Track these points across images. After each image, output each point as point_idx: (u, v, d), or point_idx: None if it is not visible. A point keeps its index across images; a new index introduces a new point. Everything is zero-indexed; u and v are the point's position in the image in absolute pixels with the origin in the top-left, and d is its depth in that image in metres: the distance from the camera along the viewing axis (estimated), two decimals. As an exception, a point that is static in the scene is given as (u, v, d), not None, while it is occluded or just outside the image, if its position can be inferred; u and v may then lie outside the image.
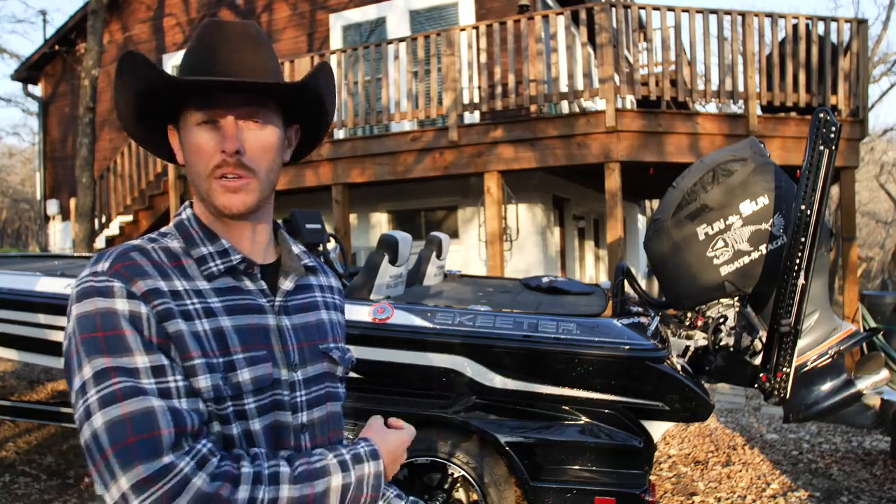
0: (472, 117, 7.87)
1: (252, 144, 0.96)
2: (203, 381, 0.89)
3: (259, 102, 0.96)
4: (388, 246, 3.49)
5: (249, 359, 0.94)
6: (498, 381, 2.70)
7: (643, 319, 2.93)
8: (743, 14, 6.81)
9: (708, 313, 3.13)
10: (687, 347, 3.16)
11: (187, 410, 0.85)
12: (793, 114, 6.92)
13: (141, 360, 0.85)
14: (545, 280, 4.15)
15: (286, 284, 1.03)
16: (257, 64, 0.97)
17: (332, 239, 4.66)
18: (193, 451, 0.82)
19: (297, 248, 1.12)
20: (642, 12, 6.90)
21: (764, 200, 2.73)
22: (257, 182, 0.97)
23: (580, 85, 7.79)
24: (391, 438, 1.04)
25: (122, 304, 0.87)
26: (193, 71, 0.95)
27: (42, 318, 3.41)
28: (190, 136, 0.96)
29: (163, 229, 1.03)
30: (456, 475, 2.75)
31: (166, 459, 0.80)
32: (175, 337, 0.89)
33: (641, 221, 16.04)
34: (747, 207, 2.74)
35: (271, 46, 1.02)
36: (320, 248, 4.26)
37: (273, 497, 0.84)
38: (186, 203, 1.06)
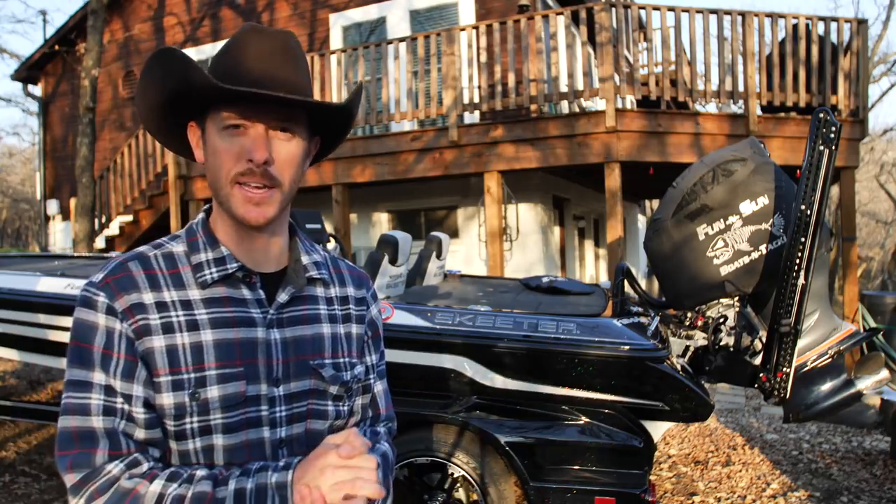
0: (473, 117, 7.87)
1: (279, 155, 0.95)
2: (166, 399, 0.93)
3: (291, 115, 0.96)
4: (389, 245, 3.49)
5: (222, 376, 0.95)
6: (498, 380, 2.70)
7: (643, 319, 2.93)
8: (743, 14, 6.80)
9: (708, 313, 3.14)
10: (687, 347, 3.16)
11: (124, 434, 0.91)
12: (793, 114, 6.92)
13: (98, 378, 0.91)
14: (545, 280, 4.15)
15: (281, 297, 1.02)
16: (291, 75, 0.97)
17: (332, 239, 4.66)
18: (125, 458, 0.91)
19: (309, 258, 1.09)
20: (642, 12, 6.90)
21: (764, 200, 2.73)
22: (280, 193, 0.97)
23: (580, 85, 7.79)
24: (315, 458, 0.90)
25: (101, 319, 0.93)
26: (227, 73, 0.94)
27: (42, 318, 3.41)
28: (216, 139, 0.95)
29: (177, 231, 1.06)
30: (456, 475, 2.75)
31: (90, 469, 0.89)
32: (146, 354, 0.93)
33: (641, 221, 16.04)
34: (747, 207, 2.74)
35: (305, 57, 1.01)
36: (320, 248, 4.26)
37: (177, 494, 0.88)
38: (207, 206, 1.06)
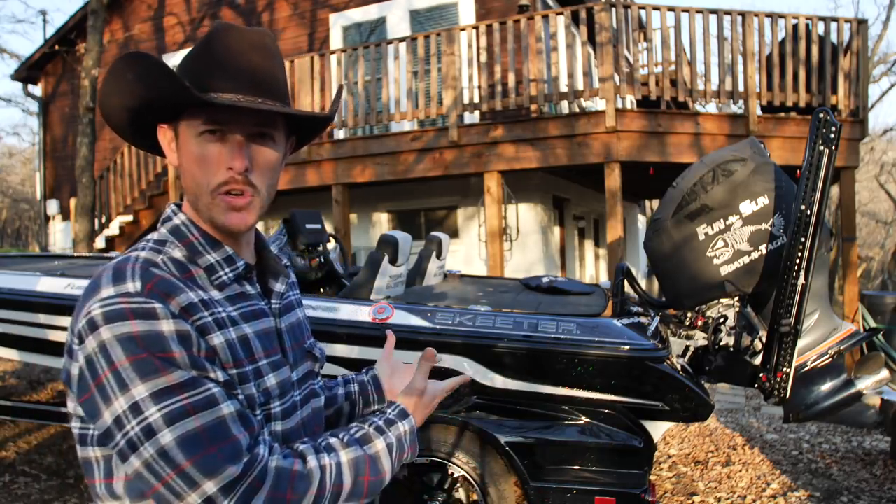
0: (473, 117, 7.87)
1: (258, 161, 0.95)
2: (240, 392, 0.92)
3: (270, 119, 0.95)
4: (389, 246, 3.49)
5: (272, 364, 0.98)
6: (498, 380, 2.70)
7: (643, 319, 2.93)
8: (743, 14, 6.81)
9: (708, 313, 3.13)
10: (687, 347, 3.16)
11: (252, 415, 0.91)
12: (793, 114, 6.92)
13: (199, 374, 0.86)
14: (545, 280, 4.15)
15: (278, 287, 1.04)
16: (269, 75, 0.95)
17: (332, 239, 4.66)
18: (264, 441, 0.89)
19: (273, 248, 1.16)
20: (642, 12, 6.90)
21: (764, 200, 2.73)
22: (259, 199, 0.96)
23: (580, 85, 7.79)
24: (416, 398, 1.08)
25: (167, 326, 0.85)
26: (202, 76, 0.92)
27: (42, 318, 3.41)
28: (192, 145, 0.93)
29: (155, 237, 0.98)
30: (456, 475, 2.75)
31: (246, 457, 0.85)
32: (216, 349, 0.90)
33: (641, 221, 16.04)
34: (747, 207, 2.74)
35: (281, 56, 1.00)
36: (320, 248, 4.26)
37: (336, 462, 0.92)
38: (172, 206, 1.01)
